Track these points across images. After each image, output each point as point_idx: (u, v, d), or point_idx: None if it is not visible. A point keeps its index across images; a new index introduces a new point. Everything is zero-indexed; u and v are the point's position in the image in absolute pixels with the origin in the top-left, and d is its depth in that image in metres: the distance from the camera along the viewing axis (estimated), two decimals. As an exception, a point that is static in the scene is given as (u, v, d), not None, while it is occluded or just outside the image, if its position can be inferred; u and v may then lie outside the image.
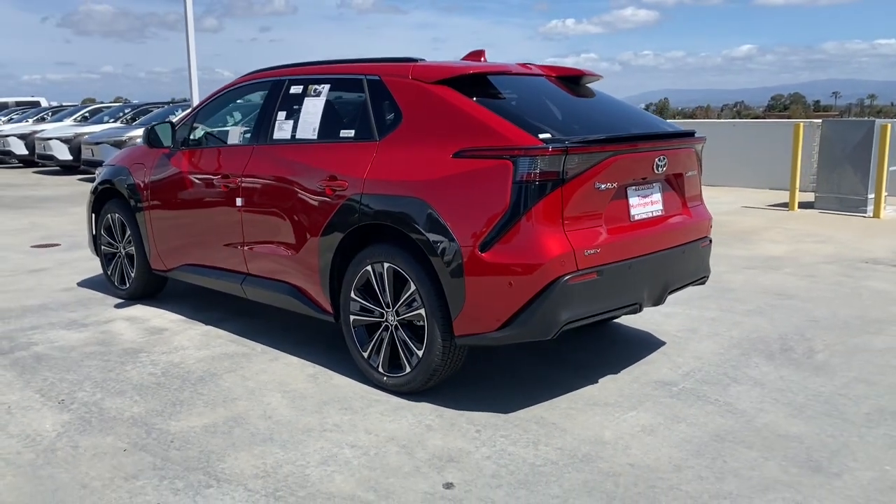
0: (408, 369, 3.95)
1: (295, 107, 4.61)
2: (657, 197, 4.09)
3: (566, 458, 3.33)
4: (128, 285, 6.00)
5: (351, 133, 4.27)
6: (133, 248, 5.84)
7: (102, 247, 6.22)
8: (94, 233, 6.31)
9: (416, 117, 3.99)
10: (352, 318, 4.18)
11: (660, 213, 4.09)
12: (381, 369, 4.07)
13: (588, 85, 4.70)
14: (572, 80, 4.56)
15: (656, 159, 3.92)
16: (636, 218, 3.93)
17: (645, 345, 4.84)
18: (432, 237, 3.70)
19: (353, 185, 4.07)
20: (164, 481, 3.15)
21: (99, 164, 13.33)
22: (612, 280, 3.74)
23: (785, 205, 10.78)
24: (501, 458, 3.33)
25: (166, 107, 17.74)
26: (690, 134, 4.30)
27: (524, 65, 4.56)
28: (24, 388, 4.15)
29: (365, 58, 4.54)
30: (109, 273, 6.19)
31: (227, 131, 5.27)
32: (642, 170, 3.91)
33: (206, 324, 5.33)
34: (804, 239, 8.42)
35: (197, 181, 5.15)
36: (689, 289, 4.99)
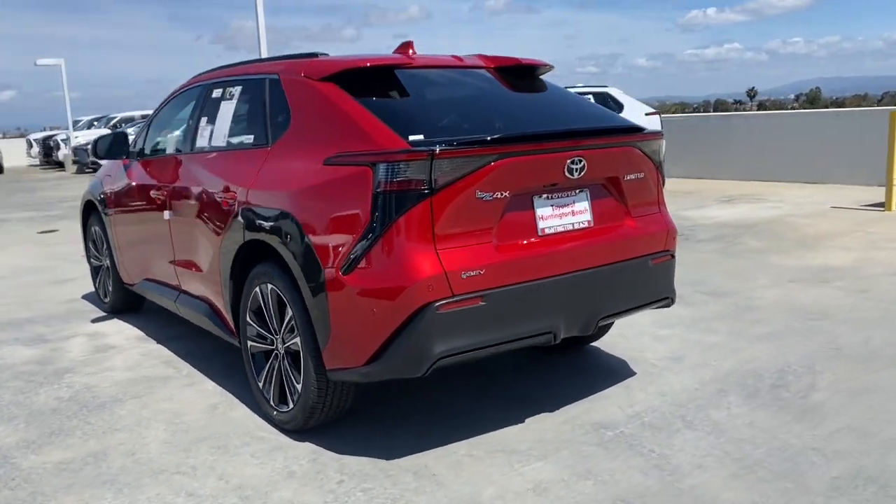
0: (291, 405, 3.50)
1: (215, 112, 4.28)
2: (582, 206, 3.41)
3: (416, 524, 2.78)
4: (108, 298, 5.91)
5: (251, 139, 3.88)
6: (109, 261, 5.73)
7: (91, 259, 6.17)
8: (85, 245, 6.26)
9: (301, 119, 3.54)
10: (249, 343, 3.78)
11: (586, 225, 3.42)
12: (272, 402, 3.65)
13: (539, 76, 4.09)
14: (512, 72, 3.96)
15: (568, 161, 3.25)
16: (547, 232, 3.29)
17: (610, 375, 4.15)
18: (298, 256, 3.24)
19: (241, 197, 3.68)
20: (-32, 529, 2.87)
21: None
22: (506, 306, 3.13)
23: (882, 205, 9.44)
24: (342, 519, 2.82)
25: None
26: (634, 130, 3.59)
27: (456, 56, 4.01)
28: (-72, 411, 4.04)
29: (276, 56, 4.13)
30: (96, 286, 6.13)
31: (168, 140, 5.02)
32: (549, 174, 3.24)
33: (158, 342, 5.10)
34: (883, 245, 7.23)
35: (140, 193, 4.93)
36: (701, 307, 4.26)
